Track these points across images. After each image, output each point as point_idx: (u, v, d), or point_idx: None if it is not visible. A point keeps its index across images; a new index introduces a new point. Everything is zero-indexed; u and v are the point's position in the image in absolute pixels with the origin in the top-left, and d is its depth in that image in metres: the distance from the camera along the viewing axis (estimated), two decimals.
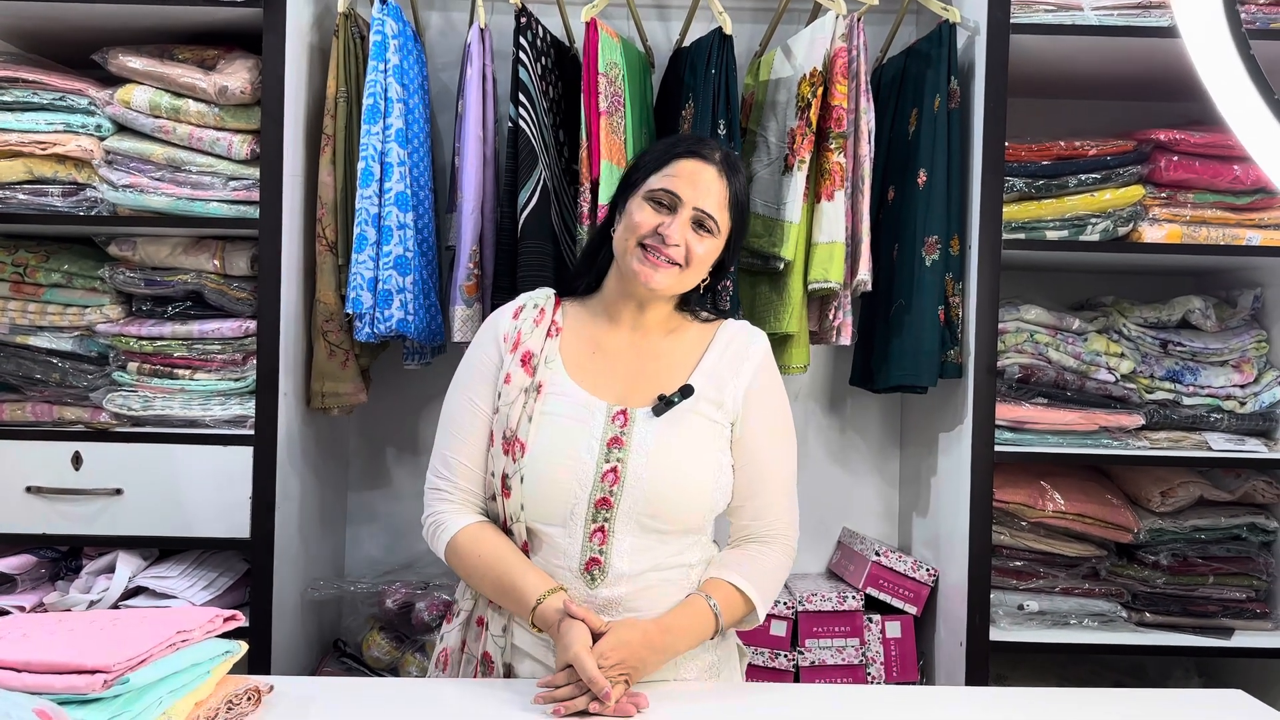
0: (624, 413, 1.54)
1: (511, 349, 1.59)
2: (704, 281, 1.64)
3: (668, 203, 1.55)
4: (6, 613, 1.96)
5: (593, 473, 1.50)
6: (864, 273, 2.20)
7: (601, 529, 1.50)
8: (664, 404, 1.54)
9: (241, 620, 1.40)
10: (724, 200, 1.57)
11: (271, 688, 1.39)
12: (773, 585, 1.58)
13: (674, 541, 1.54)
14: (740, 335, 1.65)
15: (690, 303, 1.68)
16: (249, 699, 1.35)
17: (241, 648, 1.37)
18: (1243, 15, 2.13)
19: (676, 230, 1.53)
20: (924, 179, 2.19)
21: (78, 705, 1.11)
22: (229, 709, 1.31)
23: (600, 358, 1.61)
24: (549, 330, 1.62)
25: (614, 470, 1.50)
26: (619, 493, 1.50)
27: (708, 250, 1.57)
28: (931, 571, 2.37)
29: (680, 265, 1.55)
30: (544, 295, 1.68)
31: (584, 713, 1.36)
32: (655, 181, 1.56)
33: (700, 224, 1.55)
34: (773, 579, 1.58)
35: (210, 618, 1.34)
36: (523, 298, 1.69)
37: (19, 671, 1.14)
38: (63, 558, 2.20)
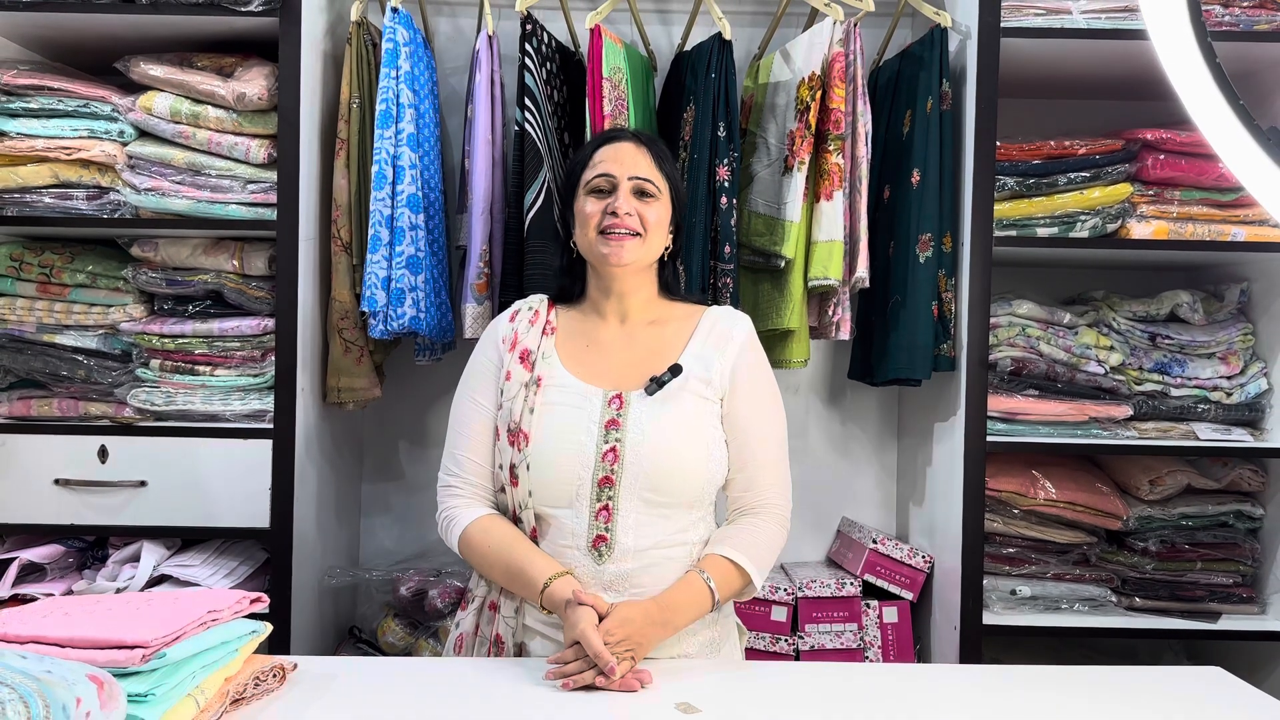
0: (619, 396, 1.63)
1: (510, 349, 1.69)
2: (668, 249, 1.75)
3: (606, 186, 1.67)
4: (34, 599, 2.03)
5: (593, 454, 1.59)
6: (862, 270, 2.27)
7: (606, 507, 1.58)
8: (655, 384, 1.63)
9: (267, 602, 1.47)
10: (651, 163, 1.70)
11: (295, 666, 1.46)
12: (767, 555, 1.65)
13: (676, 518, 1.62)
14: (724, 318, 1.74)
15: (670, 289, 1.78)
16: (274, 676, 1.41)
17: (267, 628, 1.44)
18: (1226, 16, 2.20)
19: (624, 202, 1.65)
20: (917, 179, 2.26)
21: (119, 678, 1.18)
22: (256, 685, 1.38)
23: (593, 350, 1.70)
24: (544, 329, 1.72)
25: (613, 450, 1.59)
26: (619, 470, 1.58)
27: (658, 214, 1.69)
28: (927, 558, 2.44)
29: (639, 234, 1.65)
30: (538, 299, 1.79)
31: (591, 687, 1.43)
32: (588, 175, 1.69)
33: (641, 191, 1.68)
34: (767, 549, 1.65)
35: (238, 599, 1.41)
36: (518, 303, 1.79)
37: (63, 647, 1.21)
38: (90, 547, 2.28)
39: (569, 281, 1.78)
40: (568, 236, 1.76)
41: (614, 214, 1.64)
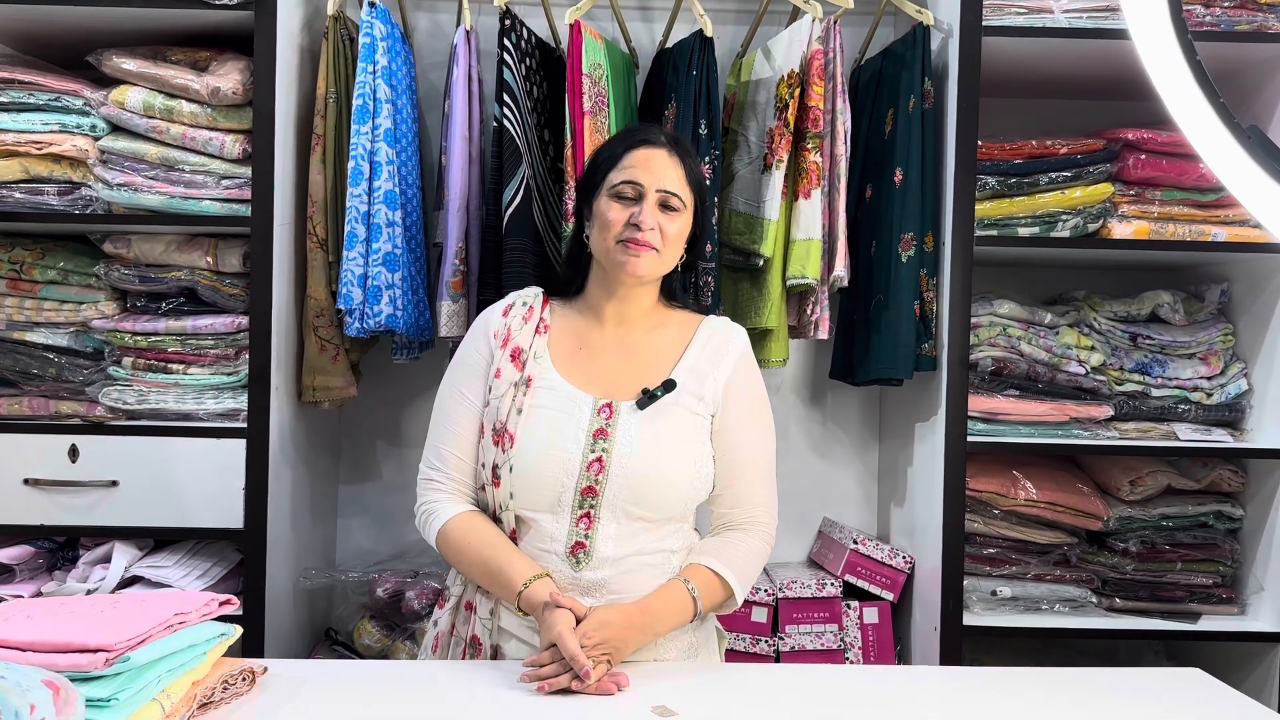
0: (609, 405, 1.60)
1: (501, 345, 1.66)
2: (682, 259, 1.71)
3: (632, 194, 1.63)
4: (2, 600, 2.00)
5: (579, 463, 1.57)
6: (840, 269, 2.26)
7: (587, 515, 1.57)
8: (647, 397, 1.60)
9: (236, 604, 1.45)
10: (681, 177, 1.66)
11: (266, 669, 1.44)
12: (751, 570, 1.64)
13: (657, 528, 1.60)
14: (720, 331, 1.72)
15: (674, 295, 1.76)
16: (244, 679, 1.39)
17: (236, 631, 1.42)
18: (1207, 17, 2.20)
19: (648, 215, 1.61)
20: (900, 178, 2.25)
21: (81, 682, 1.15)
22: (225, 688, 1.36)
23: (586, 353, 1.67)
24: (537, 327, 1.69)
25: (599, 460, 1.56)
26: (604, 481, 1.56)
27: (679, 228, 1.65)
28: (908, 559, 2.43)
29: (657, 249, 1.62)
30: (532, 294, 1.75)
31: (567, 690, 1.41)
32: (615, 177, 1.64)
33: (666, 204, 1.64)
34: (751, 564, 1.64)
35: (206, 601, 1.39)
36: (511, 296, 1.75)
37: (24, 651, 1.18)
38: (60, 548, 2.25)
39: (571, 273, 1.75)
40: (580, 228, 1.73)
41: (637, 226, 1.61)
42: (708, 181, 2.22)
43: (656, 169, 1.64)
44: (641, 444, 1.57)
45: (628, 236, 1.61)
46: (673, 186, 1.64)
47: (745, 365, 1.70)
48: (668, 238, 1.63)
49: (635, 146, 1.67)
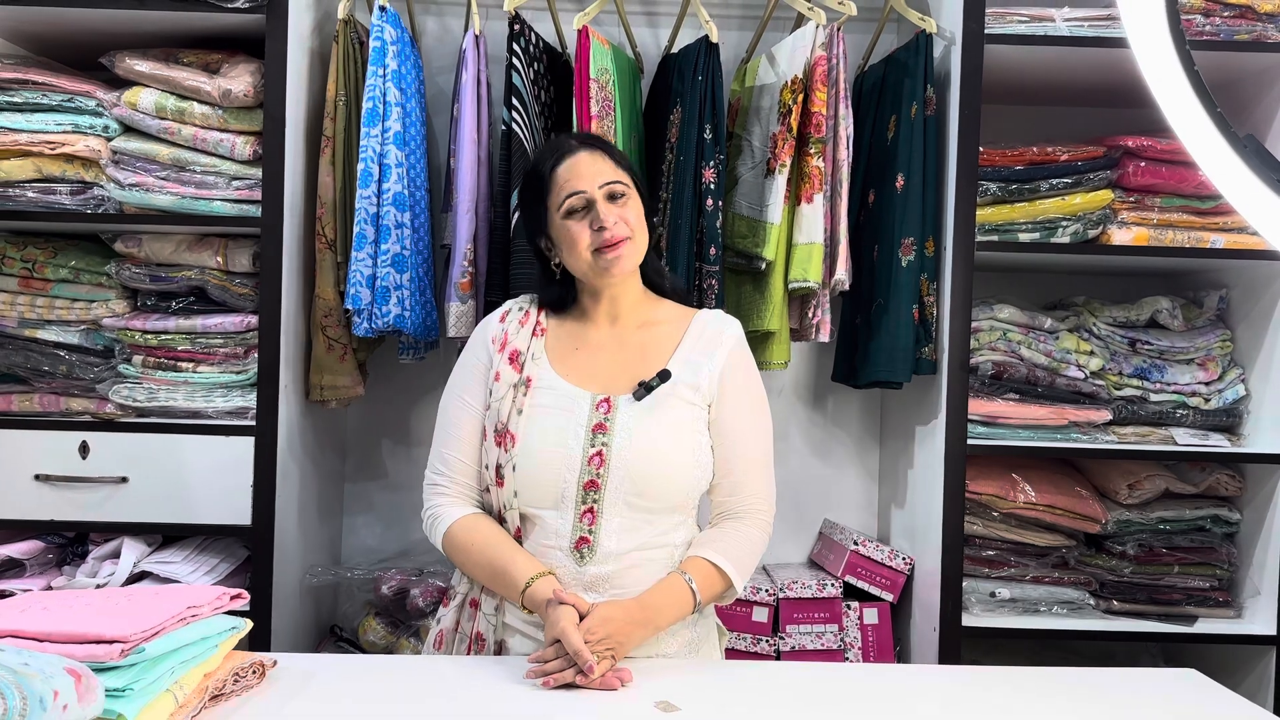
0: (607, 400, 1.63)
1: (499, 349, 1.69)
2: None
3: (581, 204, 1.65)
4: (13, 594, 2.02)
5: (580, 457, 1.59)
6: (841, 273, 2.28)
7: (590, 510, 1.59)
8: (644, 389, 1.63)
9: (247, 599, 1.47)
10: (611, 165, 1.69)
11: (275, 662, 1.46)
12: (749, 560, 1.66)
13: (660, 521, 1.63)
14: (714, 323, 1.74)
15: (656, 284, 1.78)
16: (254, 672, 1.41)
17: (246, 624, 1.44)
18: (1207, 26, 2.22)
19: (606, 214, 1.63)
20: (901, 183, 2.27)
21: (97, 672, 1.17)
22: (235, 681, 1.38)
23: (583, 352, 1.70)
24: (534, 330, 1.72)
25: (599, 454, 1.59)
26: (605, 475, 1.59)
27: (636, 211, 1.68)
28: (907, 560, 2.45)
29: (630, 236, 1.65)
30: (528, 299, 1.79)
31: (571, 685, 1.43)
32: (557, 199, 1.67)
33: (614, 195, 1.66)
34: (749, 554, 1.66)
35: (218, 595, 1.41)
36: (508, 303, 1.79)
37: (41, 641, 1.20)
38: (70, 543, 2.27)
39: (561, 292, 1.76)
40: (544, 260, 1.75)
41: (602, 229, 1.63)
42: (712, 185, 2.25)
43: (586, 170, 1.66)
44: (640, 435, 1.60)
45: (600, 243, 1.63)
46: (610, 177, 1.67)
47: (739, 355, 1.72)
48: (631, 224, 1.66)
49: (557, 164, 1.69)
